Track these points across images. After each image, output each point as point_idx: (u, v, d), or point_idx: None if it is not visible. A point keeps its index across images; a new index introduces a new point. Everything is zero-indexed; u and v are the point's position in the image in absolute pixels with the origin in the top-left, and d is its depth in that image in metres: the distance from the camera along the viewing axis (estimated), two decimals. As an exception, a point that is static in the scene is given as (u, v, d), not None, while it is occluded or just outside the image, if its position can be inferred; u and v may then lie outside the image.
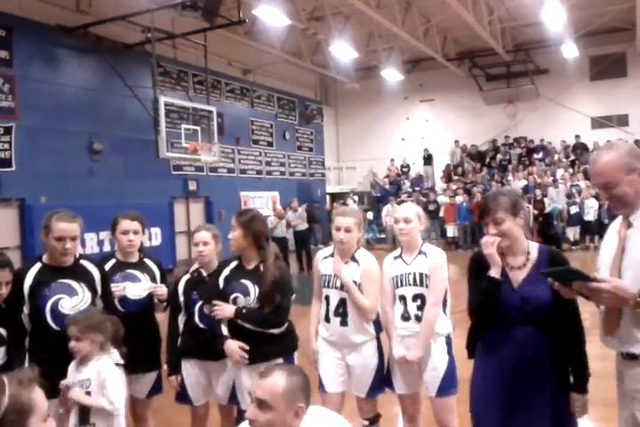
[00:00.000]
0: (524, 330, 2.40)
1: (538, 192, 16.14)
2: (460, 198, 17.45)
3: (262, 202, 17.53)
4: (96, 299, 3.06)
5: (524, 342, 2.39)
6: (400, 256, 3.35)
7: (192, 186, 15.21)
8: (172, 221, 13.92)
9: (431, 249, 3.34)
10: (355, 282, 3.24)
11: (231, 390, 3.32)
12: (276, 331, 3.15)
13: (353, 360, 3.26)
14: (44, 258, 3.04)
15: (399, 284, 3.27)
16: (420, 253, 3.29)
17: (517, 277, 2.48)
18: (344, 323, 3.23)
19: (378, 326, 3.32)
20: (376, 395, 3.34)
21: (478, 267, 2.54)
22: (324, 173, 21.93)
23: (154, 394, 3.49)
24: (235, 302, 3.14)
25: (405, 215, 3.28)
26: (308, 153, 20.73)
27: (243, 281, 3.17)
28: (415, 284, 3.23)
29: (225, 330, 3.14)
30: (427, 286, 3.21)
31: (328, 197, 21.43)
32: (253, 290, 3.14)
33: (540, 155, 19.53)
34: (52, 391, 1.50)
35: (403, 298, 3.25)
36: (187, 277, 3.52)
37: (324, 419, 2.09)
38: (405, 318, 3.24)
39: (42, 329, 2.89)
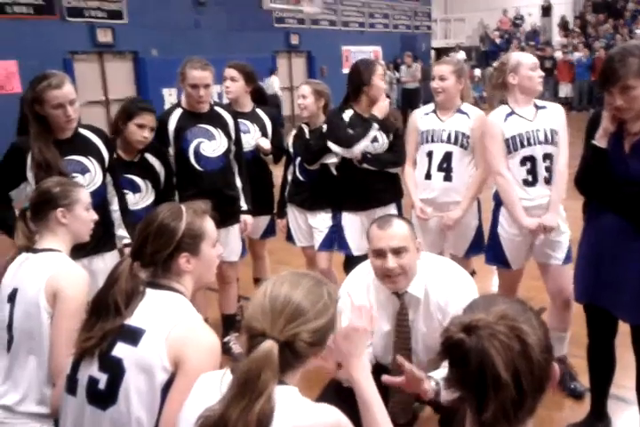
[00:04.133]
0: (630, 201, 2.21)
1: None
2: (577, 54, 16.11)
3: (364, 57, 17.00)
4: (231, 144, 3.28)
5: (628, 214, 2.23)
6: (514, 112, 2.95)
7: (294, 40, 14.92)
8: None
9: (547, 103, 3.01)
10: (463, 134, 3.17)
11: (329, 238, 3.57)
12: (392, 171, 3.38)
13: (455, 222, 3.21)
14: (183, 103, 3.23)
15: (524, 143, 2.88)
16: (538, 107, 2.95)
17: (630, 143, 2.24)
18: (448, 178, 3.20)
19: None
20: (473, 255, 3.37)
21: (593, 129, 2.33)
22: (430, 25, 20.62)
23: (267, 236, 3.84)
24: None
25: (538, 62, 2.98)
26: (413, 3, 19.38)
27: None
28: (546, 141, 2.88)
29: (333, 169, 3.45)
30: (555, 144, 2.89)
31: (433, 53, 20.39)
32: (381, 137, 3.30)
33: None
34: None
35: (530, 159, 2.88)
36: (295, 130, 3.68)
37: (436, 258, 2.33)
38: (530, 183, 2.90)
39: (187, 169, 3.17)
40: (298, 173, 3.61)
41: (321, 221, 3.59)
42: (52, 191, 2.04)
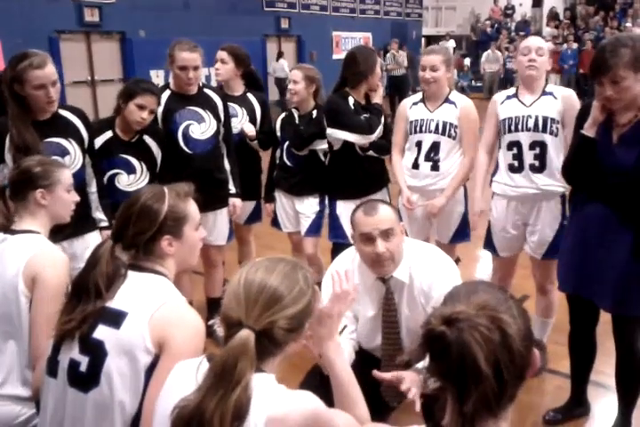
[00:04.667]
0: (616, 191, 2.21)
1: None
2: (564, 46, 16.14)
3: (354, 43, 16.91)
4: (220, 126, 3.24)
5: (614, 204, 2.23)
6: (516, 96, 2.93)
7: (284, 24, 14.80)
8: (264, 60, 13.85)
9: (558, 89, 2.91)
10: (451, 124, 3.16)
11: (316, 224, 3.57)
12: (382, 157, 3.43)
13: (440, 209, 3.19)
14: (172, 85, 3.20)
15: (511, 128, 2.88)
16: (545, 93, 2.87)
17: (619, 134, 2.23)
18: (435, 167, 3.19)
19: None
20: (458, 242, 3.37)
21: (583, 120, 2.31)
22: (422, 13, 20.55)
23: (252, 221, 3.81)
24: None
25: (539, 45, 2.84)
26: (405, -10, 19.32)
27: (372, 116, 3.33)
28: (536, 129, 2.83)
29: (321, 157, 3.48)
30: (550, 133, 2.81)
31: (423, 40, 20.33)
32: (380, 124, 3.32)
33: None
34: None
35: (516, 145, 2.87)
36: (283, 114, 3.65)
37: (420, 244, 2.34)
38: (516, 169, 2.89)
39: (175, 152, 3.12)
40: (285, 158, 3.57)
41: (308, 207, 3.58)
42: (33, 171, 1.97)
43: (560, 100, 2.82)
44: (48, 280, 1.79)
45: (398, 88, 13.39)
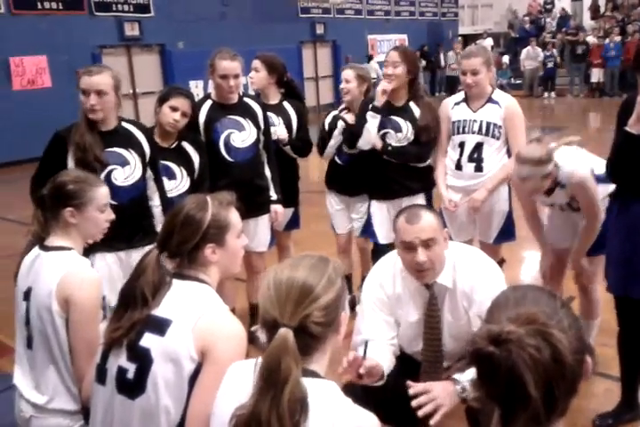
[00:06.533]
0: None
1: None
2: (608, 38, 15.69)
3: (390, 45, 16.84)
4: (260, 134, 3.29)
5: None
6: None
7: (319, 29, 14.87)
8: (300, 66, 13.94)
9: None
10: (495, 125, 3.13)
11: (365, 224, 3.59)
12: (419, 165, 3.36)
13: (483, 204, 3.17)
14: (213, 95, 3.27)
15: None
16: None
17: None
18: (479, 168, 3.16)
19: None
20: (503, 242, 3.33)
21: (625, 115, 2.24)
22: (457, 12, 20.33)
23: (291, 228, 3.82)
24: (383, 137, 3.31)
25: None
26: (440, -10, 19.16)
27: (393, 118, 3.30)
28: None
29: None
30: None
31: (460, 39, 20.09)
32: (406, 127, 3.28)
33: None
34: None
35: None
36: (334, 113, 3.69)
37: (462, 247, 2.32)
38: None
39: (217, 160, 3.17)
40: (336, 157, 3.65)
41: (359, 208, 3.63)
42: (66, 188, 1.93)
43: None
44: (82, 303, 1.79)
45: (453, 87, 13.46)
